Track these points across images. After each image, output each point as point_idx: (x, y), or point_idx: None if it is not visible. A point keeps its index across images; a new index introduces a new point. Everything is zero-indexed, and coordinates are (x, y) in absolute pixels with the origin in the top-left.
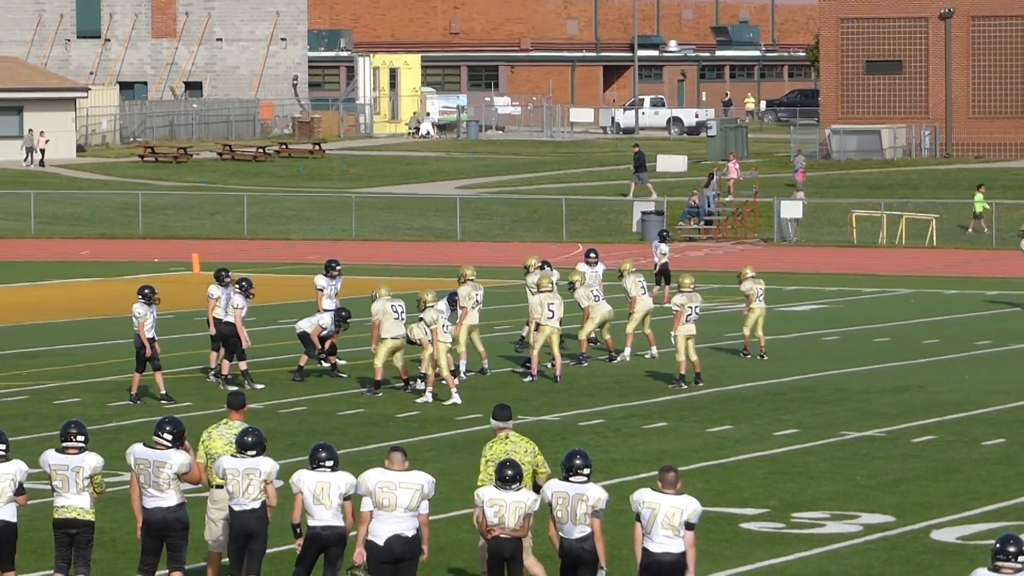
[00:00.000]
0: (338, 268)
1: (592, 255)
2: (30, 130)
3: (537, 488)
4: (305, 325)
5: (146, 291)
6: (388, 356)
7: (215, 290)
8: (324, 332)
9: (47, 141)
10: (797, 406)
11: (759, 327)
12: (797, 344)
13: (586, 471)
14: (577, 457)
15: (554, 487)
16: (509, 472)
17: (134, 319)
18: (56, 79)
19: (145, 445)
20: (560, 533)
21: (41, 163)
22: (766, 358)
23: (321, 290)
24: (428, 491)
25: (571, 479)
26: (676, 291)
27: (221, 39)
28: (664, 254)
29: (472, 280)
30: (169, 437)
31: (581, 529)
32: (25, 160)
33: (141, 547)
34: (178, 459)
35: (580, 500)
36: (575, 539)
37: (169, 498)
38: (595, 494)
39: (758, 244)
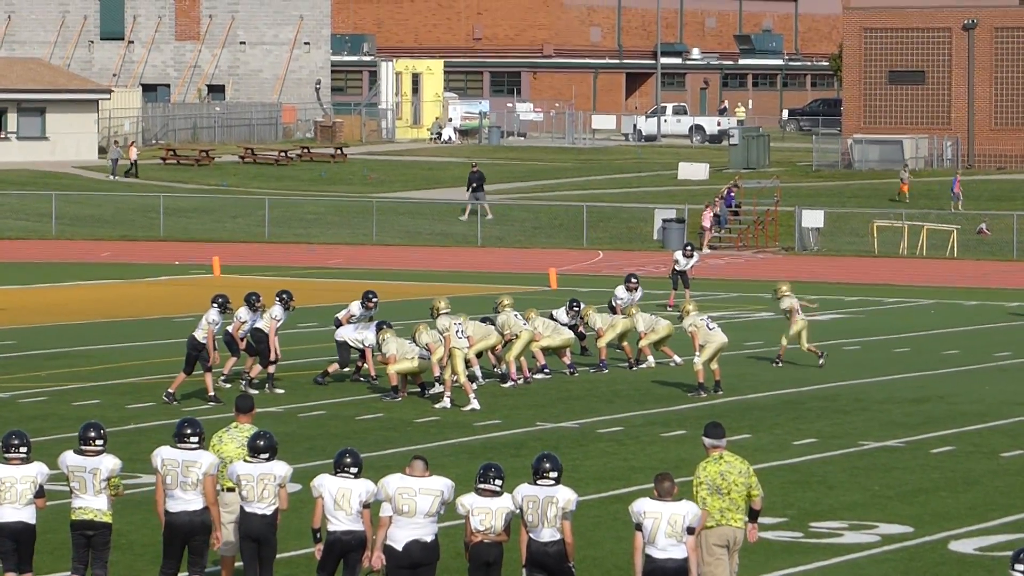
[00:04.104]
0: (375, 300)
1: (632, 280)
2: (115, 142)
3: (753, 513)
4: (347, 335)
5: (220, 300)
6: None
7: (244, 313)
8: (365, 344)
9: (138, 152)
10: (816, 415)
11: (804, 339)
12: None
13: (554, 474)
14: (545, 460)
15: (524, 491)
16: (492, 472)
17: (207, 324)
18: (79, 80)
19: (172, 447)
20: (530, 535)
21: (130, 172)
22: (824, 363)
23: (353, 316)
24: (448, 496)
25: (539, 482)
26: (678, 314)
27: (244, 42)
28: (683, 266)
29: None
30: (196, 438)
31: (551, 532)
32: (111, 173)
33: (164, 551)
34: (208, 459)
35: (550, 502)
36: (543, 542)
37: (195, 501)
38: (565, 495)
39: (779, 253)
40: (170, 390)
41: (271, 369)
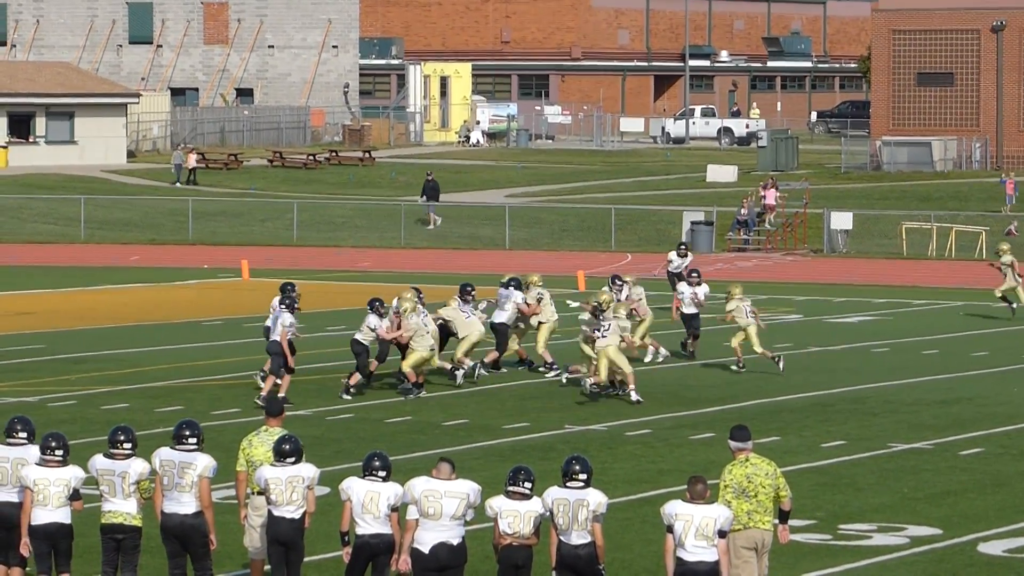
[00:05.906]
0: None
1: (617, 281)
2: (179, 146)
3: (783, 514)
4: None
5: (287, 299)
6: (419, 365)
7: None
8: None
9: (196, 160)
10: (845, 417)
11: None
12: (846, 356)
13: (583, 476)
14: (575, 463)
15: (554, 494)
16: (522, 475)
17: (282, 327)
18: (108, 85)
19: (171, 448)
20: (560, 538)
21: (191, 180)
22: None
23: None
24: (474, 500)
25: (568, 485)
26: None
27: (273, 46)
28: (677, 267)
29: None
30: (194, 440)
31: (581, 535)
32: (177, 181)
33: (167, 552)
34: (203, 461)
35: (581, 505)
36: (573, 545)
37: (188, 504)
38: (596, 498)
39: (808, 255)
40: (281, 394)
41: (373, 368)
